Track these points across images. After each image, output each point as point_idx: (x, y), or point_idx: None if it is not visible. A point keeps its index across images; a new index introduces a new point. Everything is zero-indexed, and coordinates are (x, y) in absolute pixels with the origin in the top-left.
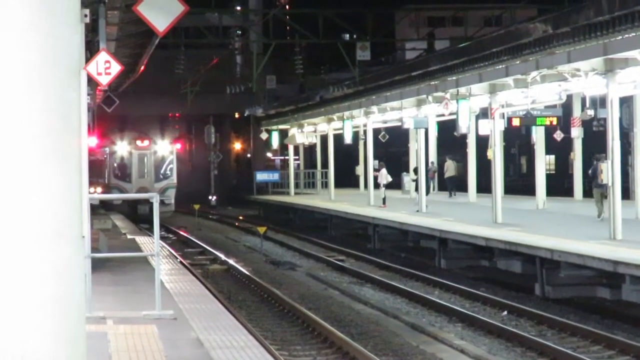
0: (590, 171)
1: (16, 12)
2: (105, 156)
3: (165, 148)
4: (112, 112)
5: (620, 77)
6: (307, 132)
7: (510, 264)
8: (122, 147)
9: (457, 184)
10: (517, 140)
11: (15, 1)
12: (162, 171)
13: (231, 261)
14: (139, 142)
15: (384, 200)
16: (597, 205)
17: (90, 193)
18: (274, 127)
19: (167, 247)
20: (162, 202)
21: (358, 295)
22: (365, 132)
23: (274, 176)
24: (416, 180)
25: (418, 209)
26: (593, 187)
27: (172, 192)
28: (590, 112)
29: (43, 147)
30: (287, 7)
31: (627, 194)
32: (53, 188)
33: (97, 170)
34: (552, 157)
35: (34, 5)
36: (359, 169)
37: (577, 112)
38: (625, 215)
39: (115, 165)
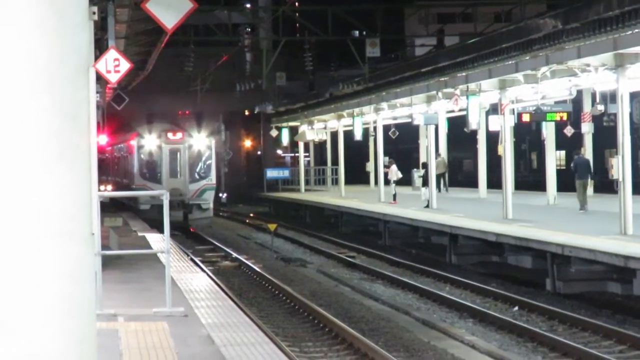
0: (572, 165)
1: (23, 9)
2: (130, 152)
3: (202, 142)
4: (128, 106)
5: (630, 72)
6: (317, 129)
7: (521, 260)
8: (150, 141)
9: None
10: (527, 136)
11: None
12: (198, 169)
13: (242, 258)
14: (170, 135)
15: (394, 196)
16: (578, 198)
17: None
18: (284, 124)
19: (178, 245)
20: (198, 207)
21: (369, 291)
22: (375, 128)
23: (284, 173)
24: (423, 176)
25: (425, 204)
26: (575, 179)
27: (210, 195)
28: (601, 108)
29: (51, 145)
30: (296, 4)
31: (637, 189)
32: (62, 186)
33: (118, 168)
34: (563, 152)
35: (41, 3)
36: (369, 166)
37: (587, 107)
38: (636, 210)
39: (142, 162)
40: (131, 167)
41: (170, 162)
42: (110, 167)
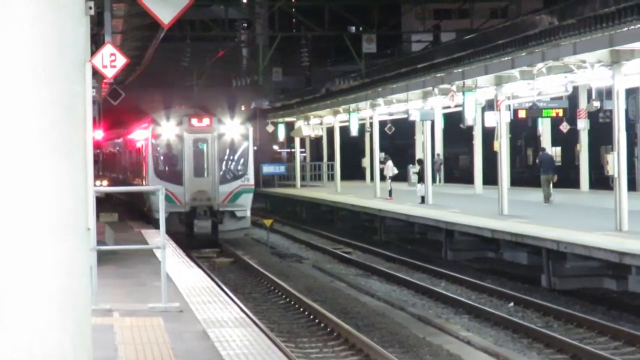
0: (537, 160)
1: (21, 3)
2: (143, 144)
3: (236, 129)
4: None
5: (626, 69)
6: (313, 124)
7: (516, 256)
8: (168, 129)
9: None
10: (523, 132)
11: None
12: (231, 166)
13: (238, 253)
14: (194, 121)
15: (390, 192)
16: (543, 191)
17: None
18: (280, 120)
19: (173, 240)
20: (232, 215)
21: (364, 287)
22: (371, 124)
23: (280, 169)
24: (418, 172)
25: (420, 200)
26: (540, 174)
27: (247, 199)
28: (596, 104)
29: (48, 139)
30: None
31: (633, 185)
32: (58, 181)
33: (129, 165)
34: (559, 148)
35: None
36: (365, 161)
37: (583, 103)
38: (631, 207)
39: (157, 157)
40: (144, 164)
41: (194, 156)
42: (119, 164)
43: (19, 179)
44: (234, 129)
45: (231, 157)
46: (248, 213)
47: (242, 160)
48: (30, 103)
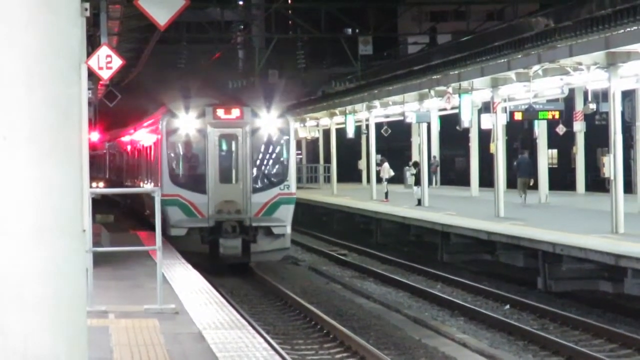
0: (515, 163)
1: (15, 4)
2: (155, 141)
3: (272, 124)
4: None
5: (622, 71)
6: (310, 126)
7: (512, 258)
8: (187, 122)
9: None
10: (519, 134)
11: None
12: (267, 170)
13: None
14: (220, 112)
15: (386, 194)
16: (520, 193)
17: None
18: None
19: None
20: (267, 232)
21: (360, 289)
22: (367, 126)
23: None
24: (415, 174)
25: (416, 202)
26: (517, 177)
27: (287, 212)
28: (593, 106)
29: (43, 141)
30: (289, 1)
31: (629, 187)
32: (53, 182)
33: (137, 167)
34: (555, 151)
35: None
36: (362, 164)
37: (579, 106)
38: (628, 209)
39: (173, 157)
40: (157, 166)
41: (220, 157)
42: (127, 167)
43: (13, 180)
44: (270, 122)
45: (267, 159)
46: (288, 230)
47: (280, 163)
48: (24, 105)
